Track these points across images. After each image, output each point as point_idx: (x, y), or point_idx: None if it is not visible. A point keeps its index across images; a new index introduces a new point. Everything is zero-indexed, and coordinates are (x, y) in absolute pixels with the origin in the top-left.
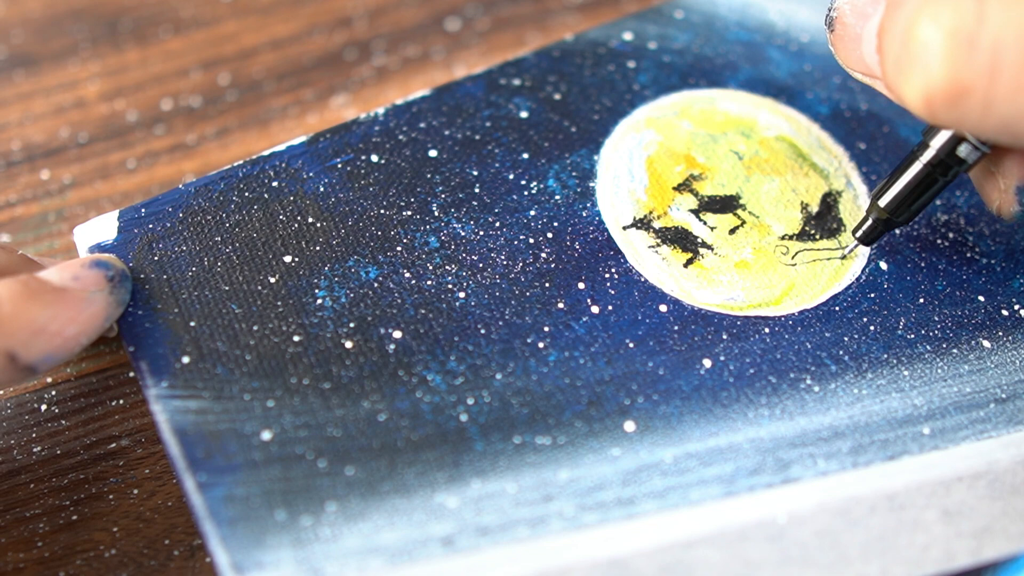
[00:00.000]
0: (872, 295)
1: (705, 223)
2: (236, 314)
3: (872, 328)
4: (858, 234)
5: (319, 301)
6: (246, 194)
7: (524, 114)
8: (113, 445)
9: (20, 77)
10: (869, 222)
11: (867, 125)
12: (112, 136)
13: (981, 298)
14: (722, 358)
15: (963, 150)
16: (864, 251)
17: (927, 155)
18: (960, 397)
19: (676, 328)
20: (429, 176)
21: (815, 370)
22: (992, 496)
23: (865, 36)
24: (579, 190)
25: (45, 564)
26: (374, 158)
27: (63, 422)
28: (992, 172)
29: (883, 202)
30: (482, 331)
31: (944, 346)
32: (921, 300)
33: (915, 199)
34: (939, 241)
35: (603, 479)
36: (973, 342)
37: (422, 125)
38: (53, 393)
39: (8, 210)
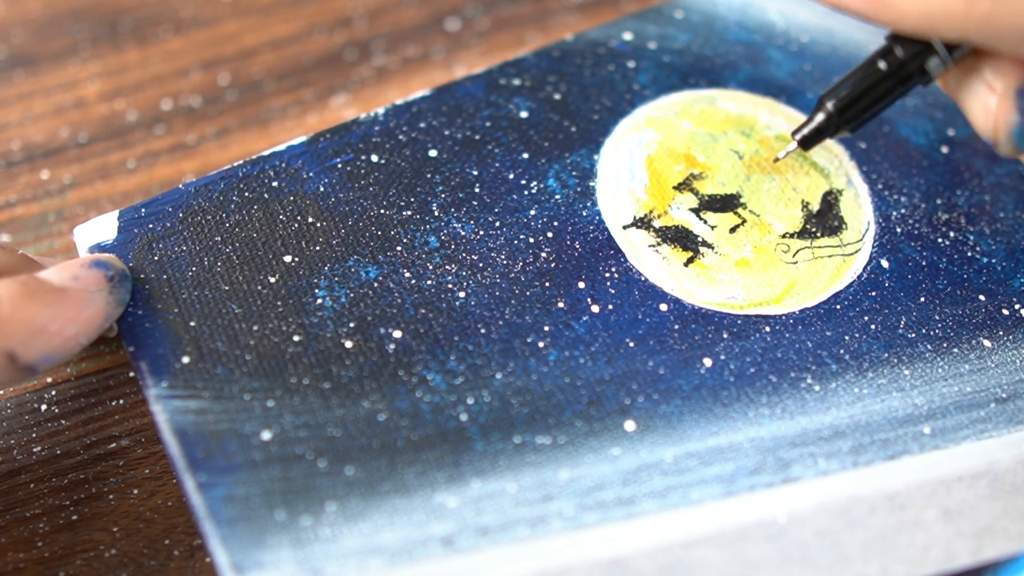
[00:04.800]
0: (873, 293)
1: (705, 222)
2: (236, 314)
3: (873, 327)
4: (799, 135)
5: (319, 301)
6: (246, 194)
7: (524, 114)
8: (113, 445)
9: (20, 77)
10: (815, 122)
11: (867, 125)
12: (112, 136)
13: (982, 297)
14: (723, 357)
15: (931, 63)
16: (866, 250)
17: (889, 58)
18: (961, 396)
19: (676, 327)
20: (429, 176)
21: (816, 369)
22: (993, 496)
23: None
24: (579, 190)
25: (45, 564)
26: (374, 158)
27: (63, 422)
28: (985, 81)
29: (832, 103)
30: (482, 331)
31: (945, 345)
32: (922, 299)
33: (868, 104)
34: (940, 240)
35: (603, 479)
36: (974, 341)
37: (422, 125)
38: (53, 393)
39: (8, 210)
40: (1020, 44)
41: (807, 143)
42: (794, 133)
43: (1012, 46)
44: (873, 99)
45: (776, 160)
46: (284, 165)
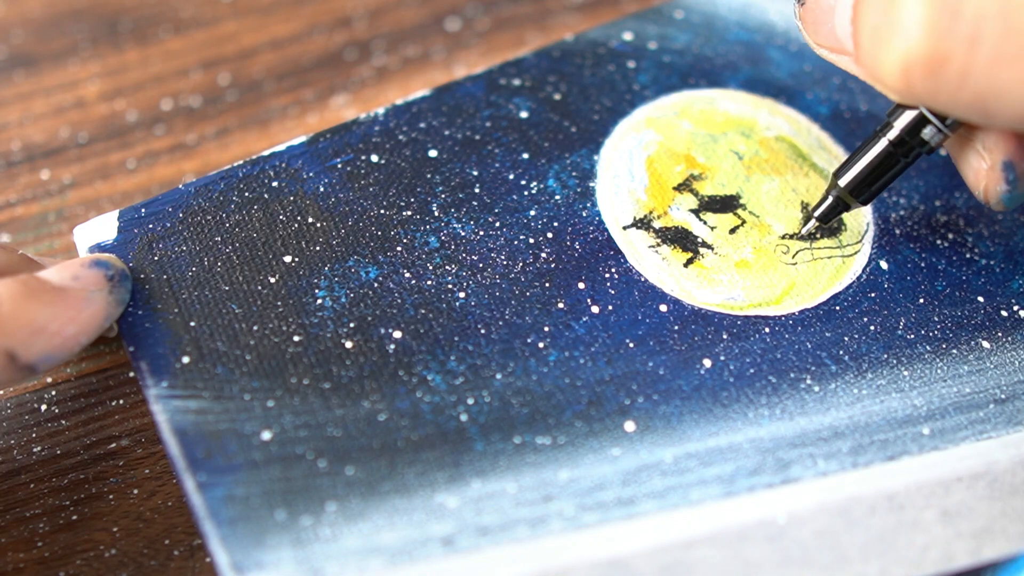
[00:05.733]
0: (872, 295)
1: (705, 223)
2: (236, 314)
3: (872, 328)
4: (817, 213)
5: (319, 301)
6: (246, 194)
7: (524, 114)
8: (113, 445)
9: (20, 77)
10: (829, 201)
11: (867, 125)
12: (112, 136)
13: (980, 299)
14: (722, 358)
15: (927, 132)
16: (865, 251)
17: (890, 135)
18: (959, 397)
19: (676, 328)
20: (429, 176)
21: (815, 370)
22: (991, 497)
23: (839, 6)
24: (579, 190)
25: (45, 564)
26: (374, 158)
27: (63, 422)
28: (977, 150)
29: (844, 181)
30: (482, 331)
31: (944, 346)
32: (921, 300)
33: (876, 179)
34: (939, 242)
35: (603, 479)
36: (972, 343)
37: (422, 125)
38: (53, 393)
39: (8, 210)
40: (971, 114)
41: (826, 218)
42: (812, 210)
43: (968, 117)
44: (880, 174)
45: (796, 236)
46: (284, 165)
